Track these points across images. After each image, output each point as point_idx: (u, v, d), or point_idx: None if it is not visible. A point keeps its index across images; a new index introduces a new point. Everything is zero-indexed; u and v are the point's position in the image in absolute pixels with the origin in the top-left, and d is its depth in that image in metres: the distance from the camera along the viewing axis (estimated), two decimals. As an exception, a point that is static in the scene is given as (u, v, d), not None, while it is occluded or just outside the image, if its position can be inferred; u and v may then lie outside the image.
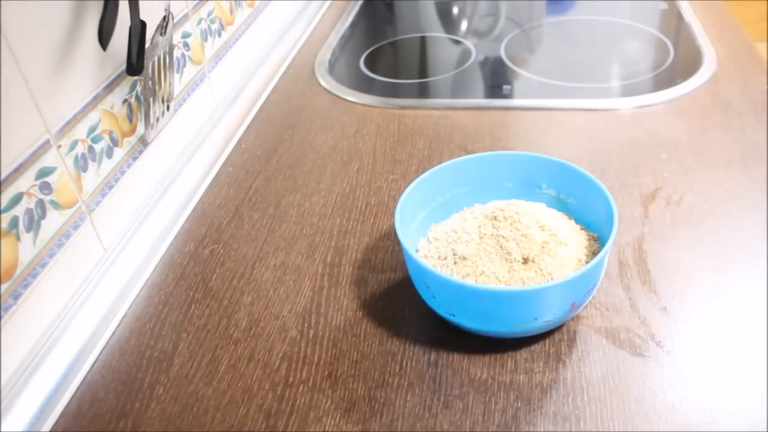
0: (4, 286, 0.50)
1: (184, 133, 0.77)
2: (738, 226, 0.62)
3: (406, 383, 0.51)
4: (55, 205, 0.55)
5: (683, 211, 0.64)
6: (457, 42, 1.07)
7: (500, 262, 0.52)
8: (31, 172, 0.52)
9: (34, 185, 0.52)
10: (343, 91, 0.91)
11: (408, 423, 0.48)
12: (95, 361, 0.56)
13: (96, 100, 0.60)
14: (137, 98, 0.66)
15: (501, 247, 0.52)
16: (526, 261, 0.51)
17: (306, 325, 0.57)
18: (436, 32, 1.12)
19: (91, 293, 0.58)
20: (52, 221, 0.55)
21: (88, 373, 0.55)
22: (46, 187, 0.54)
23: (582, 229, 0.56)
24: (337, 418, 0.49)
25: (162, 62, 0.67)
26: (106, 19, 0.57)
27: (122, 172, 0.64)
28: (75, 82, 0.57)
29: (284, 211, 0.70)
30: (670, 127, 0.76)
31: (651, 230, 0.62)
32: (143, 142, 0.68)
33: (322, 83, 0.94)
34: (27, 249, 0.52)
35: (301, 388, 0.51)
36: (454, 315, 0.51)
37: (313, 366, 0.53)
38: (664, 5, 1.09)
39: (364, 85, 0.95)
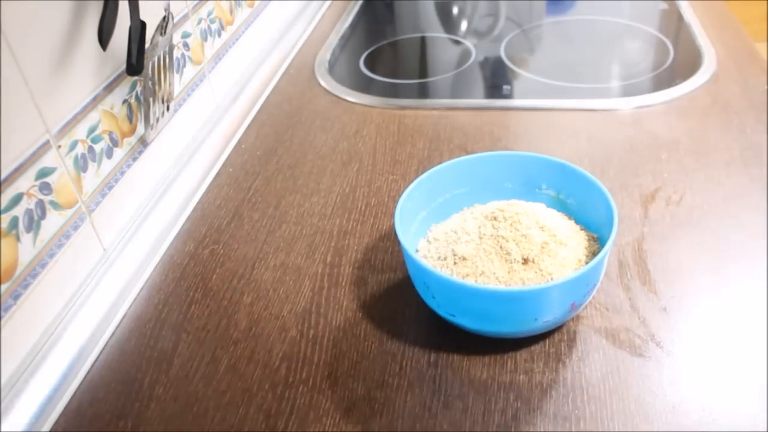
0: (4, 287, 0.50)
1: (184, 134, 0.77)
2: (738, 226, 0.62)
3: (406, 383, 0.51)
4: (55, 205, 0.55)
5: (683, 211, 0.64)
6: (457, 42, 1.07)
7: (500, 262, 0.52)
8: (31, 173, 0.52)
9: (34, 185, 0.52)
10: (343, 91, 0.91)
11: (408, 423, 0.48)
12: (95, 361, 0.56)
13: (96, 100, 0.60)
14: (137, 98, 0.66)
15: (501, 247, 0.52)
16: (525, 261, 0.51)
17: (306, 325, 0.57)
18: (436, 32, 1.12)
19: (91, 293, 0.58)
20: (52, 221, 0.55)
21: (88, 373, 0.55)
22: (46, 188, 0.54)
23: (582, 229, 0.56)
24: (337, 418, 0.49)
25: (162, 62, 0.67)
26: (106, 19, 0.57)
27: (122, 173, 0.64)
28: (75, 82, 0.57)
29: (284, 211, 0.70)
30: (670, 127, 0.76)
31: (651, 230, 0.62)
32: (143, 142, 0.68)
33: (322, 83, 0.94)
34: (27, 249, 0.52)
35: (301, 388, 0.51)
36: (454, 315, 0.51)
37: (313, 366, 0.53)
38: (664, 5, 1.09)
39: (364, 86, 0.95)
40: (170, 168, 0.73)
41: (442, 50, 1.07)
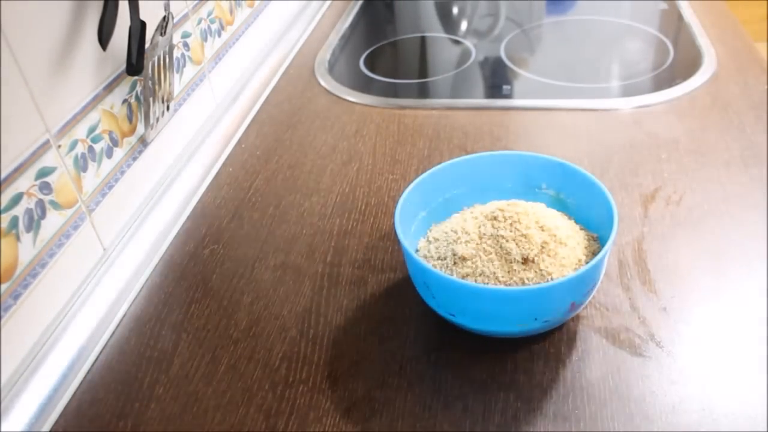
0: (4, 286, 0.50)
1: (184, 133, 0.77)
2: (738, 226, 0.62)
3: (406, 383, 0.51)
4: (55, 205, 0.55)
5: (683, 211, 0.64)
6: (457, 42, 1.07)
7: (500, 262, 0.52)
8: (31, 172, 0.52)
9: (34, 185, 0.52)
10: (343, 91, 0.91)
11: (408, 423, 0.48)
12: (95, 361, 0.56)
13: (96, 100, 0.60)
14: (137, 98, 0.66)
15: (501, 247, 0.52)
16: (525, 261, 0.51)
17: (306, 325, 0.57)
18: (436, 32, 1.12)
19: (91, 293, 0.58)
20: (52, 221, 0.55)
21: (88, 373, 0.55)
22: (46, 187, 0.54)
23: (582, 229, 0.56)
24: (337, 418, 0.49)
25: (162, 62, 0.67)
26: (106, 19, 0.57)
27: (122, 172, 0.64)
28: (75, 82, 0.57)
29: (284, 211, 0.70)
30: (670, 127, 0.76)
31: (651, 230, 0.62)
32: (143, 142, 0.68)
33: (322, 83, 0.94)
34: (27, 249, 0.52)
35: (301, 388, 0.51)
36: (454, 315, 0.51)
37: (313, 366, 0.53)
38: (664, 5, 1.09)
39: (364, 85, 0.95)
40: (170, 168, 0.73)
41: (442, 50, 1.07)
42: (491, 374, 0.51)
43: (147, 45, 0.63)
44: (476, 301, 0.49)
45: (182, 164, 0.74)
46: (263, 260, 0.64)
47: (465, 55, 1.01)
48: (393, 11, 1.22)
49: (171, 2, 0.68)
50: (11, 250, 0.50)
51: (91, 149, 0.59)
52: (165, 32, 0.66)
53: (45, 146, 0.54)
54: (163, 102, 0.69)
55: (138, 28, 0.61)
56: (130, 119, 0.65)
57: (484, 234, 0.53)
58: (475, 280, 0.51)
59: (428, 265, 0.51)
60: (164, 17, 0.66)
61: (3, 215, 0.49)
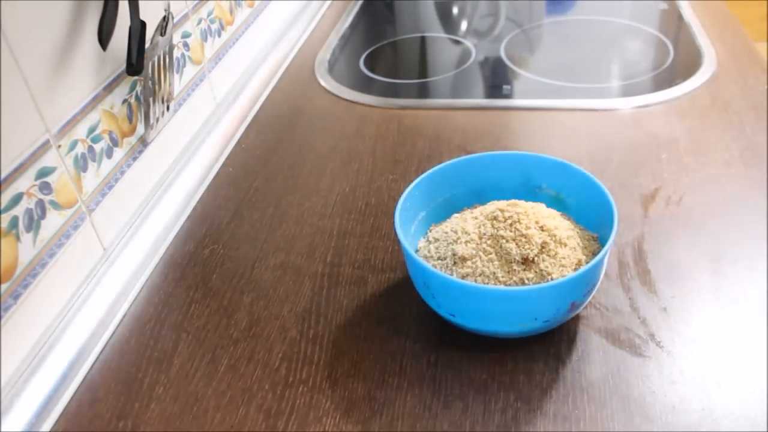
0: (4, 286, 0.50)
1: (184, 133, 0.77)
2: (738, 226, 0.62)
3: (406, 383, 0.51)
4: (55, 205, 0.55)
5: (683, 211, 0.64)
6: (457, 42, 1.07)
7: (500, 262, 0.52)
8: (31, 172, 0.52)
9: (34, 185, 0.52)
10: (343, 91, 0.91)
11: (408, 423, 0.48)
12: (95, 361, 0.56)
13: (96, 100, 0.60)
14: (137, 98, 0.66)
15: (501, 247, 0.52)
16: (525, 261, 0.51)
17: (306, 325, 0.57)
18: (436, 32, 1.12)
19: (91, 293, 0.58)
20: (52, 221, 0.55)
21: (88, 373, 0.55)
22: (46, 187, 0.54)
23: (582, 229, 0.56)
24: (337, 418, 0.49)
25: (162, 62, 0.67)
26: (106, 19, 0.57)
27: (122, 172, 0.64)
28: (75, 82, 0.57)
29: (284, 211, 0.70)
30: (670, 127, 0.76)
31: (651, 230, 0.62)
32: (143, 142, 0.68)
33: (322, 83, 0.94)
34: (27, 249, 0.52)
35: (301, 388, 0.51)
36: (454, 315, 0.51)
37: (313, 366, 0.53)
38: (664, 5, 1.09)
39: (364, 85, 0.95)
40: (170, 168, 0.73)
41: (442, 50, 1.07)
42: (491, 374, 0.51)
43: (147, 45, 0.63)
44: (476, 301, 0.49)
45: (182, 164, 0.74)
46: (263, 260, 0.64)
47: (465, 55, 1.01)
48: (393, 11, 1.22)
49: (171, 2, 0.68)
50: (11, 250, 0.50)
51: (91, 149, 0.59)
52: (165, 32, 0.66)
53: (45, 146, 0.54)
54: (163, 102, 0.69)
55: (138, 28, 0.61)
56: (130, 119, 0.65)
57: (484, 234, 0.53)
58: (475, 280, 0.51)
59: (428, 265, 0.51)
60: (164, 17, 0.66)
61: (3, 215, 0.49)
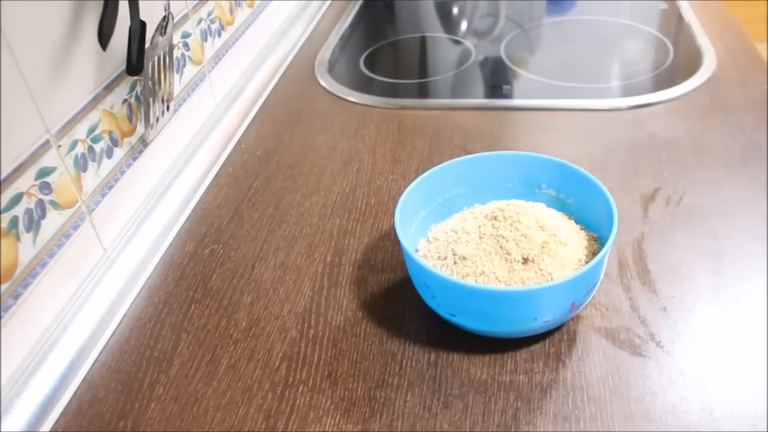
0: (4, 286, 0.50)
1: (184, 133, 0.77)
2: (738, 226, 0.62)
3: (406, 383, 0.51)
4: (55, 205, 0.55)
5: (683, 211, 0.64)
6: (457, 42, 1.07)
7: (500, 262, 0.52)
8: (31, 172, 0.52)
9: (33, 185, 0.52)
10: (343, 91, 0.91)
11: (408, 423, 0.48)
12: (95, 361, 0.56)
13: (96, 100, 0.60)
14: (137, 98, 0.66)
15: (501, 247, 0.52)
16: (525, 261, 0.51)
17: (306, 325, 0.57)
18: (436, 32, 1.12)
19: (91, 293, 0.58)
20: (52, 221, 0.55)
21: (88, 373, 0.55)
22: (46, 187, 0.54)
23: (582, 229, 0.56)
24: (337, 418, 0.49)
25: (162, 62, 0.67)
26: (106, 19, 0.57)
27: (122, 172, 0.64)
28: (75, 82, 0.57)
29: (284, 211, 0.70)
30: (670, 127, 0.76)
31: (651, 230, 0.62)
32: (143, 142, 0.68)
33: (322, 83, 0.94)
34: (27, 249, 0.52)
35: (301, 388, 0.51)
36: (454, 315, 0.51)
37: (313, 366, 0.53)
38: (664, 5, 1.09)
39: (364, 85, 0.95)
40: (170, 168, 0.73)
41: (442, 50, 1.07)
42: (491, 374, 0.51)
43: (147, 45, 0.63)
44: (476, 301, 0.49)
45: (182, 164, 0.74)
46: (263, 260, 0.64)
47: (465, 55, 1.01)
48: (393, 11, 1.22)
49: (171, 2, 0.68)
50: (11, 250, 0.50)
51: (91, 149, 0.59)
52: (165, 32, 0.66)
53: (45, 146, 0.54)
54: (163, 102, 0.69)
55: (138, 28, 0.61)
56: (130, 119, 0.65)
57: (484, 234, 0.53)
58: (475, 280, 0.51)
59: (428, 265, 0.51)
60: (164, 17, 0.66)
61: (3, 215, 0.49)
